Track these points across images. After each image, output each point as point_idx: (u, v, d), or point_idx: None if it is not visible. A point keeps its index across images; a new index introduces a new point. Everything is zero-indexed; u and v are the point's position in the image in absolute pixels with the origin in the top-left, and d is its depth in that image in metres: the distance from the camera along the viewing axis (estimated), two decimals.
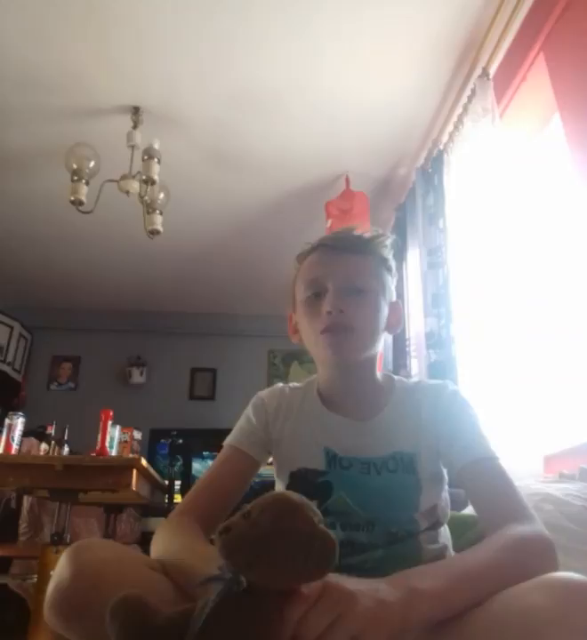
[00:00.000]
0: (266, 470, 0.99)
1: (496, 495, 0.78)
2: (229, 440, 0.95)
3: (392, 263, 0.96)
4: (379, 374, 0.96)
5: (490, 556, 0.66)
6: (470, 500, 0.84)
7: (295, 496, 0.56)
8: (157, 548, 0.79)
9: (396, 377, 0.98)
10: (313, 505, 0.56)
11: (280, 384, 1.02)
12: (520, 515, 0.73)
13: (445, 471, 0.89)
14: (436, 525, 0.88)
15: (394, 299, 0.96)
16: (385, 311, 0.93)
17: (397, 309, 0.96)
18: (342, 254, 0.91)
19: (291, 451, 0.92)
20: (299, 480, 0.89)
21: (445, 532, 0.91)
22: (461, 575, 0.63)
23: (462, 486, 0.84)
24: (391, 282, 0.96)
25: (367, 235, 0.93)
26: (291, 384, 1.01)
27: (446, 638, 0.60)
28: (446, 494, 0.90)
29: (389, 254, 0.95)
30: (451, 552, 0.90)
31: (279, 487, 0.94)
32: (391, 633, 0.54)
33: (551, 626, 0.51)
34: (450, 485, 0.92)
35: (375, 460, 0.87)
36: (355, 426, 0.90)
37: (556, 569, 0.64)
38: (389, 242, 0.95)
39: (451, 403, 0.89)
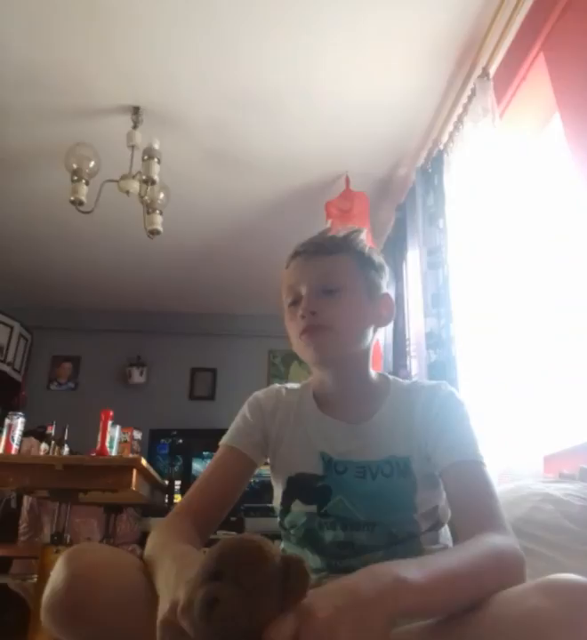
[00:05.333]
0: (265, 470, 0.99)
1: (474, 501, 0.77)
2: (224, 440, 0.94)
3: (374, 257, 0.95)
4: (374, 374, 0.96)
5: (472, 560, 0.64)
6: (448, 502, 0.83)
7: (255, 539, 0.56)
8: (147, 548, 0.79)
9: (391, 377, 0.97)
10: (266, 541, 0.56)
11: (277, 385, 1.01)
12: (496, 525, 0.72)
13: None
14: (436, 526, 0.88)
15: (383, 291, 0.95)
16: (368, 306, 0.92)
17: (387, 302, 0.95)
18: (313, 258, 0.92)
19: (288, 455, 0.92)
20: (297, 485, 0.89)
21: (445, 533, 0.91)
22: (446, 573, 0.61)
23: (444, 487, 0.83)
24: (377, 275, 0.95)
25: (340, 234, 0.94)
26: (288, 385, 1.01)
27: (443, 638, 0.60)
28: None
29: (365, 249, 0.94)
30: None
31: (276, 490, 0.94)
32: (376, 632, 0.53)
33: (554, 628, 0.51)
34: None
35: (370, 464, 0.87)
36: (349, 429, 0.90)
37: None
38: (362, 236, 0.95)
39: (443, 404, 0.88)
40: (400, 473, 0.85)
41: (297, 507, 0.88)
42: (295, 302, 0.91)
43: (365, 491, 0.85)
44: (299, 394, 0.98)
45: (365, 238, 0.96)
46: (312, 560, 0.87)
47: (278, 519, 0.93)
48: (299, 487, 0.89)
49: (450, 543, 0.90)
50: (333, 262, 0.91)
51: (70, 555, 0.68)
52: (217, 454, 0.93)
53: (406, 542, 0.83)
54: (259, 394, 0.99)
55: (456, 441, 0.83)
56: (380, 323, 0.95)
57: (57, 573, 0.66)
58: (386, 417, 0.90)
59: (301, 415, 0.94)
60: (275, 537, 0.85)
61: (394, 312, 0.97)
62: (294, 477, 0.90)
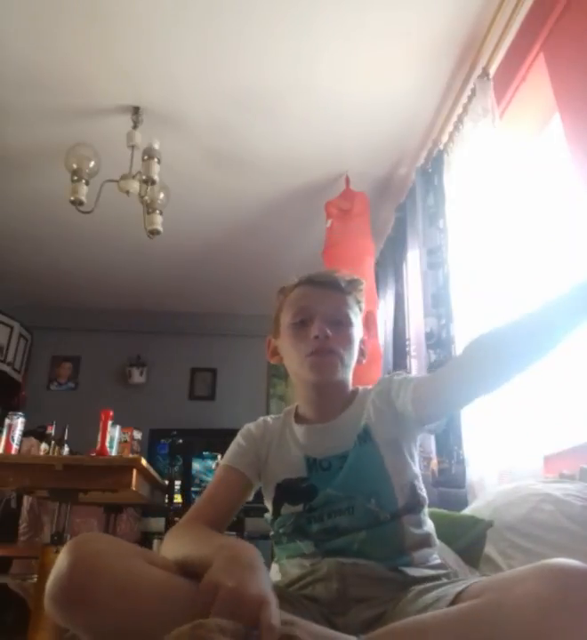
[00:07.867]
0: None
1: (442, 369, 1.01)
2: (224, 461, 1.05)
3: (363, 305, 1.13)
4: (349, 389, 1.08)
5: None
6: (440, 388, 0.95)
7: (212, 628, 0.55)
8: (173, 549, 0.83)
9: (361, 387, 1.09)
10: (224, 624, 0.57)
11: (263, 417, 1.13)
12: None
13: (405, 442, 0.98)
14: (416, 507, 0.94)
15: (361, 335, 1.10)
16: (358, 343, 1.06)
17: (365, 344, 1.11)
18: (327, 290, 1.06)
19: (274, 467, 1.02)
20: (284, 489, 0.99)
21: (429, 522, 0.97)
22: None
23: (424, 404, 0.93)
24: (359, 320, 1.11)
25: (347, 278, 1.10)
26: (271, 416, 1.14)
27: (446, 626, 0.61)
28: (418, 473, 0.99)
29: (362, 299, 1.12)
30: (436, 542, 0.96)
31: (267, 503, 1.03)
32: None
33: (551, 610, 0.53)
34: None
35: (348, 451, 0.96)
36: (325, 427, 1.02)
37: None
38: (363, 286, 1.12)
39: (392, 376, 1.04)
40: (362, 440, 0.97)
41: (286, 509, 0.97)
42: (304, 322, 1.03)
43: (344, 472, 0.94)
44: (282, 420, 1.10)
45: (363, 288, 1.13)
46: (304, 546, 0.93)
47: (271, 530, 1.01)
48: (286, 491, 0.98)
49: (433, 533, 0.97)
50: (343, 299, 1.06)
51: (74, 543, 0.71)
52: (218, 473, 1.04)
53: (388, 523, 0.90)
54: (249, 425, 1.11)
55: (407, 379, 1.00)
56: (358, 360, 1.09)
57: (60, 561, 0.69)
58: (354, 410, 1.03)
59: (284, 434, 1.06)
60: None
61: (366, 355, 1.12)
62: (281, 483, 1.00)
